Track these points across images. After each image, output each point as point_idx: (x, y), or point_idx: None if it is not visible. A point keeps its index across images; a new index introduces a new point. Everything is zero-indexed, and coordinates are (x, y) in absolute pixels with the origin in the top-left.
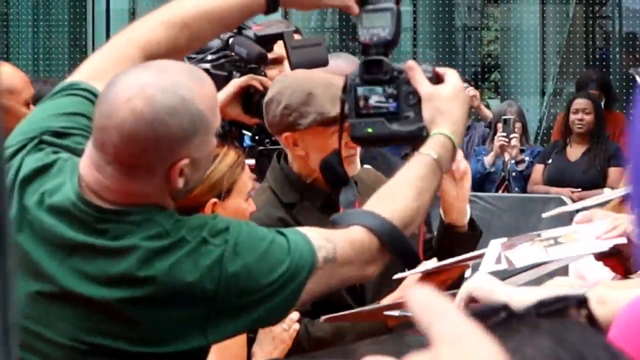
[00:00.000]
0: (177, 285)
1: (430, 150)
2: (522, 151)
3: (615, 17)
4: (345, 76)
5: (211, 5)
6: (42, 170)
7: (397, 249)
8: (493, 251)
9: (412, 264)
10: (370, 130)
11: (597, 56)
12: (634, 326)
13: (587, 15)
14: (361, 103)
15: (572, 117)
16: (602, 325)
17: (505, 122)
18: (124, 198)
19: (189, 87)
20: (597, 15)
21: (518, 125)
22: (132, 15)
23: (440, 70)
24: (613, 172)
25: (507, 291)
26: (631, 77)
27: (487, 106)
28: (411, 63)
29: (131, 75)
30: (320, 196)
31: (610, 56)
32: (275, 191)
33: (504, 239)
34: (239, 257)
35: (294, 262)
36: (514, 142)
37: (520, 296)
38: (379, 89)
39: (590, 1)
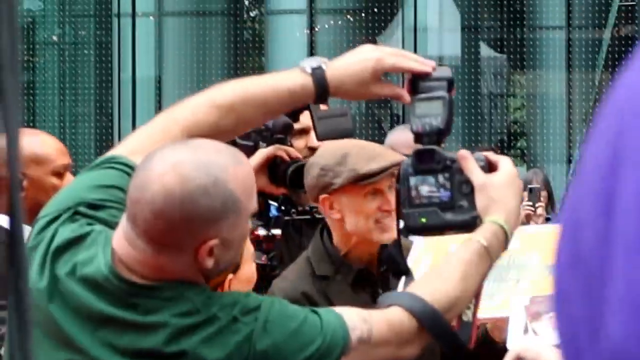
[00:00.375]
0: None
1: (480, 237)
2: (548, 219)
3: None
4: (399, 166)
5: (259, 91)
6: (75, 241)
7: (437, 332)
8: (518, 318)
9: (454, 349)
10: (424, 220)
11: None
12: None
13: (614, 82)
14: (414, 193)
15: None
16: None
17: (531, 191)
18: (155, 273)
19: (224, 167)
20: None
21: (544, 193)
22: (158, 83)
23: (493, 157)
24: None
25: (554, 355)
26: None
27: None
28: (463, 152)
29: (167, 151)
30: (353, 270)
31: None
32: (311, 262)
33: (526, 299)
34: (268, 335)
35: (326, 342)
36: (539, 210)
37: None
38: (432, 179)
39: (616, 68)
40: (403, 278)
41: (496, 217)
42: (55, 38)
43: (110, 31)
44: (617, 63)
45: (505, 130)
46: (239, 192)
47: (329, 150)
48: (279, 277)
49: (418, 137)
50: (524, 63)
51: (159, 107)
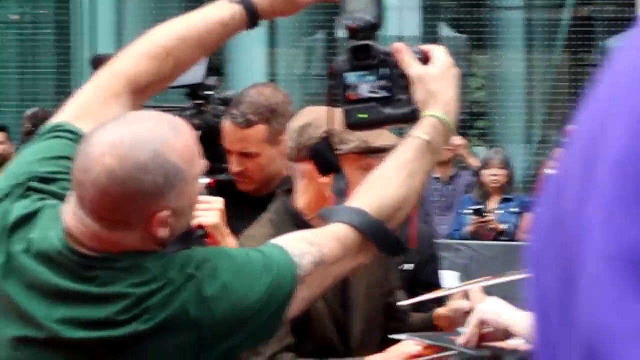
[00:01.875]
0: (164, 319)
1: (420, 132)
2: (509, 200)
3: (600, 64)
4: (331, 63)
5: (190, 30)
6: (28, 218)
7: (380, 240)
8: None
9: (397, 254)
10: (364, 115)
11: None
12: None
13: (573, 63)
14: (352, 89)
15: None
16: None
17: (477, 211)
18: (108, 247)
19: (162, 139)
20: (584, 62)
21: (503, 172)
22: None
23: (427, 47)
24: None
25: (513, 315)
26: None
27: (474, 154)
28: (399, 45)
29: (104, 131)
30: None
31: None
32: (273, 223)
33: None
34: (216, 280)
35: (274, 274)
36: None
37: (523, 319)
38: (369, 74)
39: (576, 49)
40: None
41: (435, 110)
42: (14, 17)
43: (69, 10)
44: (576, 44)
45: (467, 111)
46: (180, 161)
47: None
48: (244, 236)
49: (352, 32)
50: (484, 43)
51: None
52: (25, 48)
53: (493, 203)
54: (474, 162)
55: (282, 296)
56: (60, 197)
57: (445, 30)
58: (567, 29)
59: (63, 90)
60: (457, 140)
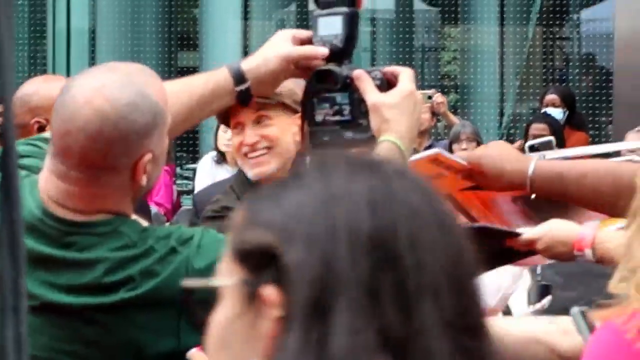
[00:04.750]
0: (146, 291)
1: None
2: None
3: (574, 38)
4: (306, 83)
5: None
6: None
7: None
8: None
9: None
10: (326, 138)
11: (556, 77)
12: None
13: (546, 37)
14: (316, 112)
15: (530, 142)
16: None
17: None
18: (89, 204)
19: (145, 82)
20: (556, 36)
21: (473, 145)
22: (93, 33)
23: (393, 70)
24: None
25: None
26: (590, 98)
27: (445, 126)
28: (358, 73)
29: (86, 78)
30: None
31: (570, 77)
32: (235, 190)
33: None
34: (203, 257)
35: None
36: None
37: None
38: (332, 98)
39: (550, 22)
40: None
41: (388, 135)
42: None
43: None
44: (549, 17)
45: (438, 84)
46: (162, 103)
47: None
48: (211, 202)
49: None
50: (457, 16)
51: (92, 59)
52: None
53: None
54: (454, 120)
55: None
56: (31, 170)
57: (418, 4)
58: (541, 2)
59: (37, 62)
60: (439, 98)
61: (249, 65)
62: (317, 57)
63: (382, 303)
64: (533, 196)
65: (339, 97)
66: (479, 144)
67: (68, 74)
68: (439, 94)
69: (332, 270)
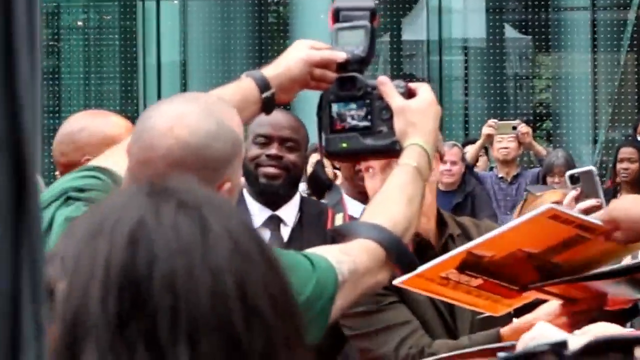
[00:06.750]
0: None
1: (408, 159)
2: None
3: None
4: (321, 94)
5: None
6: None
7: (401, 259)
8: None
9: (411, 269)
10: (345, 145)
11: None
12: None
13: (638, 63)
14: (336, 119)
15: (618, 166)
16: None
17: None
18: None
19: (222, 111)
20: None
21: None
22: (183, 67)
23: (413, 85)
24: None
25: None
26: None
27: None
28: (382, 78)
29: (166, 107)
30: None
31: None
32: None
33: None
34: None
35: (319, 280)
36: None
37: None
38: (353, 105)
39: None
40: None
41: (416, 139)
42: (79, 23)
43: (134, 15)
44: None
45: (531, 112)
46: (239, 133)
47: None
48: None
49: (341, 64)
50: (549, 44)
51: (184, 92)
52: (90, 54)
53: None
54: (541, 150)
55: (326, 296)
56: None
57: (510, 32)
58: (633, 29)
59: (129, 96)
60: (523, 128)
61: (271, 72)
62: (336, 61)
63: (134, 347)
64: None
65: (360, 104)
66: None
67: None
68: (524, 124)
69: (85, 309)
